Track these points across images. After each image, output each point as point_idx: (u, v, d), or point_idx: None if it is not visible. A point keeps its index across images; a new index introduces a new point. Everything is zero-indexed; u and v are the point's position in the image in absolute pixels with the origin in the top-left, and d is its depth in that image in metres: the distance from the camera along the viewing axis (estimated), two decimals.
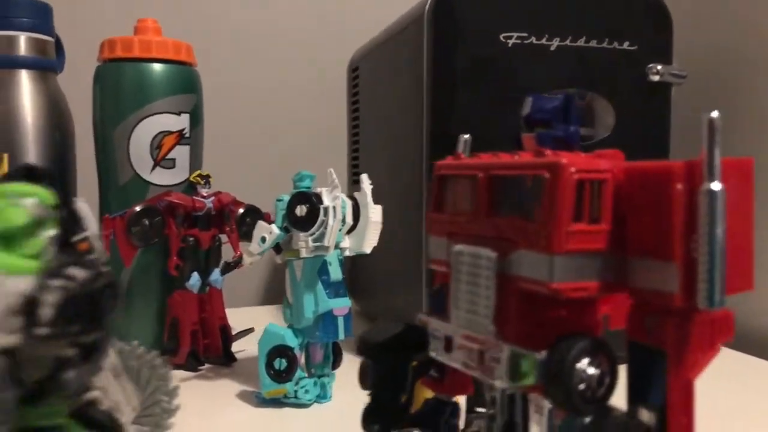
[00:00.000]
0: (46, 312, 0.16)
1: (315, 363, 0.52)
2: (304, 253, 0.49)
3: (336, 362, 0.53)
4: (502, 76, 0.54)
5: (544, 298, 0.21)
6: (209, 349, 0.61)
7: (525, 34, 0.54)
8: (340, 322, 0.50)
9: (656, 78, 0.58)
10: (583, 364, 0.20)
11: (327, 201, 0.49)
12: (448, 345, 0.23)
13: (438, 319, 0.24)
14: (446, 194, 0.25)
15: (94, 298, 0.17)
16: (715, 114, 0.18)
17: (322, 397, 0.51)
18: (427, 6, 0.55)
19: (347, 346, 0.53)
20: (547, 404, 0.22)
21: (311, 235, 0.49)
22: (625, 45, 0.57)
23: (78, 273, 0.17)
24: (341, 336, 0.50)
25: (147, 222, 0.58)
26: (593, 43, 0.56)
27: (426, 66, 0.55)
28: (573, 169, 0.20)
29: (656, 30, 0.58)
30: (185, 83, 0.65)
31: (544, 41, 0.55)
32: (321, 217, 0.48)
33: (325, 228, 0.48)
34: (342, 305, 0.50)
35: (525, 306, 0.21)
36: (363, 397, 0.51)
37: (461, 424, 0.27)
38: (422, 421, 0.27)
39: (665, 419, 0.19)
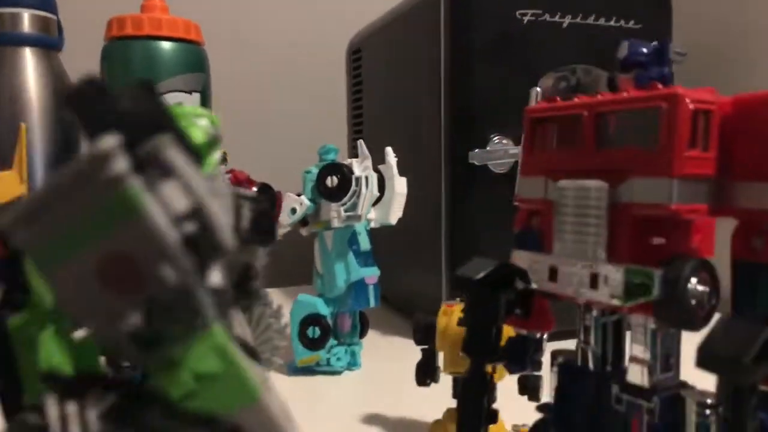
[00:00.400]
0: (245, 220, 0.16)
1: (344, 332, 0.53)
2: (335, 223, 0.50)
3: (363, 331, 0.54)
4: (518, 53, 0.56)
5: (652, 224, 0.23)
6: None
7: (539, 11, 0.56)
8: (371, 290, 0.51)
9: None
10: (694, 281, 0.22)
11: (358, 171, 0.50)
12: (553, 274, 0.25)
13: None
14: (540, 136, 0.27)
15: (267, 213, 0.18)
16: None
17: (353, 364, 0.52)
18: None
19: (372, 316, 0.54)
20: (650, 324, 0.24)
21: (343, 205, 0.50)
22: (631, 23, 0.59)
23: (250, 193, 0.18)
24: (372, 303, 0.52)
25: None
26: (601, 21, 0.58)
27: (443, 44, 0.56)
28: (689, 100, 0.21)
29: (657, 10, 0.61)
30: (195, 62, 0.65)
31: (557, 18, 0.57)
32: (353, 187, 0.49)
33: (358, 197, 0.49)
34: (372, 273, 0.51)
35: (636, 231, 0.23)
36: (389, 365, 0.52)
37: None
38: (509, 357, 0.28)
39: None
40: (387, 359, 0.54)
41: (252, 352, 0.18)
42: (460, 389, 0.28)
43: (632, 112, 0.23)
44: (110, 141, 0.11)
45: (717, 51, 0.75)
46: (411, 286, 0.64)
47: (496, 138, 0.55)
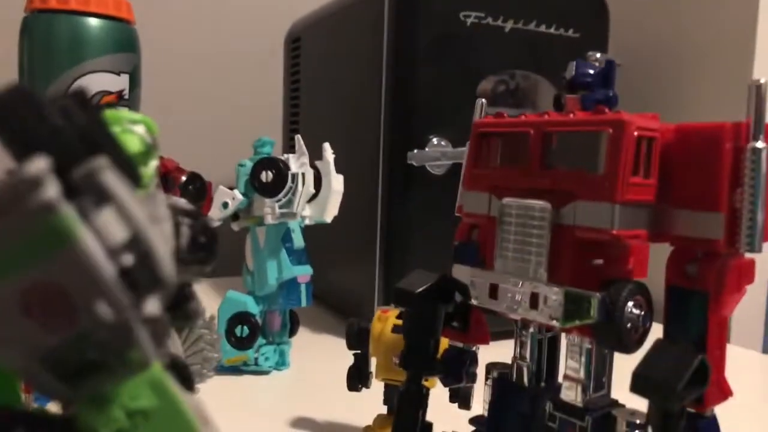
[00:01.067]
0: (184, 239, 0.15)
1: (273, 330, 0.52)
2: (269, 220, 0.49)
3: (293, 330, 0.53)
4: (460, 54, 0.56)
5: (591, 246, 0.23)
6: None
7: (482, 14, 0.56)
8: (303, 289, 0.51)
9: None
10: (630, 305, 0.22)
11: (295, 167, 0.49)
12: (493, 291, 0.25)
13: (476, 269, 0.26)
14: (485, 150, 0.26)
15: (212, 231, 0.17)
16: (763, 80, 0.21)
17: (281, 364, 0.51)
18: None
19: (303, 315, 0.54)
20: (585, 344, 0.24)
21: (278, 201, 0.48)
22: (570, 32, 0.60)
23: (193, 208, 0.17)
24: (304, 303, 0.51)
25: None
26: (542, 28, 0.59)
27: (386, 41, 0.56)
28: (634, 126, 0.22)
29: (596, 20, 0.62)
30: (125, 42, 0.62)
31: (499, 22, 0.57)
32: (289, 183, 0.48)
33: (293, 194, 0.48)
34: (305, 272, 0.50)
35: (577, 253, 0.23)
36: (319, 365, 0.52)
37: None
38: (446, 371, 0.28)
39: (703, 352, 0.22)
40: (317, 359, 0.54)
41: (183, 369, 0.17)
42: (396, 401, 0.28)
43: (578, 135, 0.23)
44: (40, 164, 0.10)
45: (652, 59, 0.78)
46: (344, 284, 0.63)
47: (434, 139, 0.55)
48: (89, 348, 0.11)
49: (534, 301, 0.23)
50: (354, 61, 0.62)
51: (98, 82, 0.60)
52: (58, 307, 0.11)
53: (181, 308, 0.16)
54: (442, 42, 0.56)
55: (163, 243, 0.12)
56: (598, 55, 0.65)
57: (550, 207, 0.23)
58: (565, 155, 0.23)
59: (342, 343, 0.38)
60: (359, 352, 0.39)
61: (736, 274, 0.22)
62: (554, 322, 0.23)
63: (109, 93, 0.60)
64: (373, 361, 0.38)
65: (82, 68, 0.59)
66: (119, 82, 0.61)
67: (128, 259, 0.11)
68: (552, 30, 0.59)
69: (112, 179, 0.11)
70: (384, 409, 0.38)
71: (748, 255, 0.22)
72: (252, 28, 0.91)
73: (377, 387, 0.38)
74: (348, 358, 0.39)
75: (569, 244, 0.23)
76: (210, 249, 0.17)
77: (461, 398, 0.36)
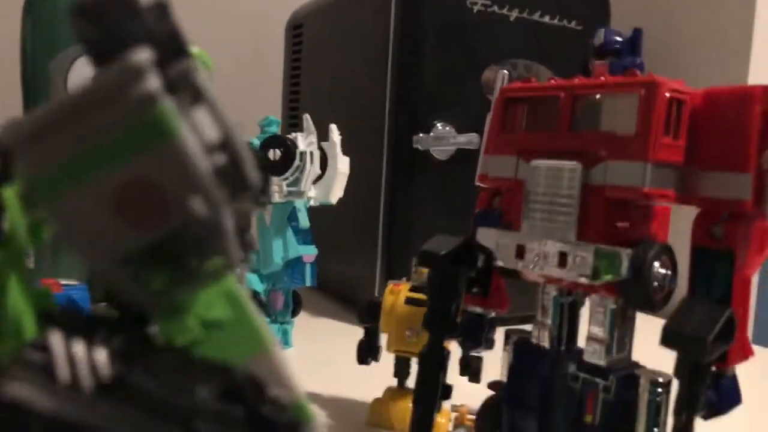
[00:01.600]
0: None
1: (276, 310, 0.52)
2: (276, 198, 0.49)
3: (295, 310, 0.53)
4: (466, 41, 0.57)
5: (619, 208, 0.24)
6: None
7: (489, 2, 0.57)
8: (308, 269, 0.51)
9: None
10: (657, 265, 0.23)
11: (303, 146, 0.49)
12: (520, 252, 0.25)
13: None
14: (510, 116, 0.27)
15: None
16: None
17: (285, 343, 0.51)
18: None
19: (303, 296, 0.54)
20: (610, 305, 0.24)
21: (285, 179, 0.48)
22: (573, 24, 0.61)
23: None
24: (308, 282, 0.51)
25: None
26: (546, 19, 0.60)
27: (393, 27, 0.56)
28: (665, 88, 0.22)
29: (597, 13, 0.63)
30: None
31: (505, 11, 0.57)
32: (297, 161, 0.48)
33: (301, 173, 0.48)
34: (311, 252, 0.51)
35: (607, 213, 0.23)
36: (321, 345, 0.52)
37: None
38: (465, 334, 0.29)
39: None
40: (319, 340, 0.54)
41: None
42: (418, 363, 0.28)
43: (610, 97, 0.23)
44: (143, 55, 0.10)
45: (650, 55, 0.79)
46: (344, 268, 0.63)
47: (439, 124, 0.56)
48: (179, 247, 0.11)
49: (563, 259, 0.24)
50: (359, 47, 0.62)
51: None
52: (151, 203, 0.11)
53: (241, 237, 0.16)
54: (448, 28, 0.56)
55: (246, 148, 0.12)
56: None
57: (580, 167, 0.24)
58: (596, 117, 0.24)
59: (341, 325, 0.38)
60: (369, 326, 0.39)
61: (760, 235, 0.23)
62: (583, 279, 0.23)
63: None
64: (383, 337, 0.39)
65: None
66: None
67: (220, 159, 0.11)
68: (556, 21, 0.60)
69: (205, 80, 0.11)
70: (394, 382, 0.38)
71: None
72: (253, 11, 0.90)
73: (385, 362, 0.39)
74: (350, 338, 0.39)
75: (599, 204, 0.23)
76: (264, 182, 0.17)
77: (472, 372, 0.36)
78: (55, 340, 0.11)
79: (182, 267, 0.12)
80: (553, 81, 0.26)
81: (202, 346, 0.13)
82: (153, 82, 0.10)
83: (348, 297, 0.64)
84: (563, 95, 0.24)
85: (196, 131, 0.11)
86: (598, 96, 0.24)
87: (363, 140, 0.59)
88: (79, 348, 0.11)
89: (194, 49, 0.18)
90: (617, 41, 0.26)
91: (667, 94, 0.22)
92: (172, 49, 0.11)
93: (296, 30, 0.76)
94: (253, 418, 0.11)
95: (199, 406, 0.11)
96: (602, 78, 0.24)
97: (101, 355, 0.11)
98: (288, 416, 0.12)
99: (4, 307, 0.14)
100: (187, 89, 0.11)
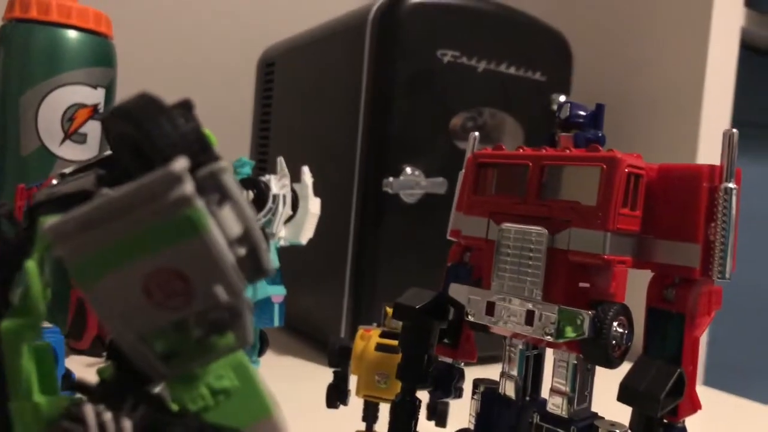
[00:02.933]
0: None
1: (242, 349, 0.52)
2: None
3: (262, 349, 0.54)
4: (436, 89, 0.59)
5: (581, 271, 0.26)
6: None
7: (458, 53, 0.59)
8: (276, 309, 0.52)
9: (557, 107, 0.66)
10: (615, 324, 0.25)
11: (276, 189, 0.50)
12: (490, 309, 0.27)
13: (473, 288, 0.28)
14: (483, 179, 0.29)
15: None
16: (734, 130, 0.24)
17: None
18: (372, 14, 0.58)
19: (273, 335, 0.54)
20: (572, 360, 0.26)
21: (257, 221, 0.50)
22: (537, 75, 0.64)
23: None
24: (276, 323, 0.52)
25: None
26: (512, 70, 0.63)
27: (366, 72, 0.58)
28: (625, 164, 0.24)
29: (561, 65, 0.66)
30: (104, 56, 0.63)
31: (473, 62, 0.60)
32: (270, 203, 0.49)
33: (273, 215, 0.50)
34: (279, 293, 0.52)
35: (570, 275, 0.25)
36: (288, 385, 0.52)
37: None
38: (437, 384, 0.30)
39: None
40: (285, 379, 0.54)
41: None
42: (390, 412, 0.29)
43: (575, 169, 0.25)
44: (182, 163, 0.12)
45: (609, 104, 0.83)
46: (310, 308, 0.64)
47: (408, 168, 0.58)
48: (199, 326, 0.13)
49: (530, 317, 0.25)
50: (331, 90, 0.64)
51: (74, 94, 0.60)
52: (179, 288, 0.12)
53: None
54: (419, 77, 0.58)
55: (263, 239, 0.13)
56: (562, 98, 0.69)
57: (546, 232, 0.26)
58: (561, 187, 0.26)
59: (307, 365, 0.39)
60: (339, 369, 0.40)
61: (708, 299, 0.25)
62: (548, 337, 0.25)
63: (85, 106, 0.61)
64: (352, 379, 0.40)
65: (58, 80, 0.59)
66: (95, 96, 0.61)
67: (241, 251, 0.13)
68: (521, 72, 0.63)
69: (231, 180, 0.13)
70: (362, 426, 0.39)
71: (718, 282, 0.25)
72: (225, 51, 0.92)
73: (354, 405, 0.40)
74: (316, 378, 0.39)
75: (563, 266, 0.25)
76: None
77: (438, 416, 0.37)
78: (88, 411, 0.12)
79: (200, 343, 0.13)
80: (521, 150, 0.28)
81: (211, 412, 0.14)
82: (189, 187, 0.12)
83: (314, 336, 0.65)
84: (531, 165, 0.27)
85: (222, 227, 0.12)
86: (563, 167, 0.26)
87: (333, 182, 0.60)
88: (108, 418, 0.12)
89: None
90: (581, 115, 0.28)
91: (627, 170, 0.24)
92: (199, 147, 0.13)
93: (268, 68, 0.78)
94: None
95: None
96: (568, 150, 0.26)
97: (127, 425, 0.12)
98: None
99: (18, 371, 0.15)
100: (215, 189, 0.12)
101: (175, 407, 0.14)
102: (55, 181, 0.20)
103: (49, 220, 0.12)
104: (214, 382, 0.14)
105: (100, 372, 0.17)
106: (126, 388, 0.13)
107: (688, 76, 0.73)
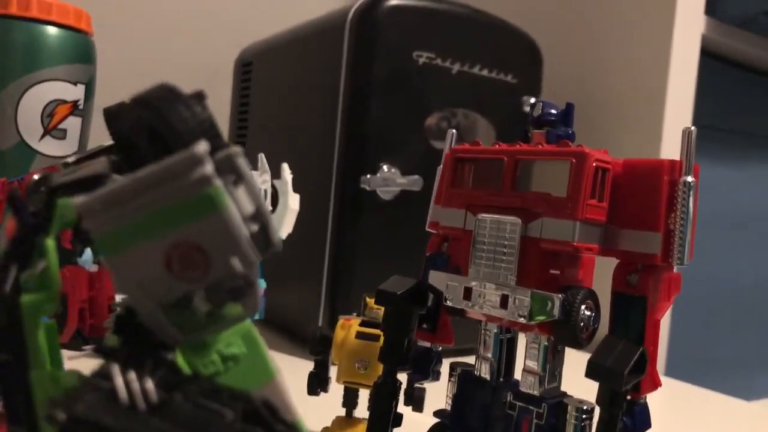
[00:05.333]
0: None
1: None
2: None
3: None
4: (411, 90, 0.61)
5: (552, 258, 0.28)
6: (95, 328, 0.59)
7: (433, 55, 0.61)
8: None
9: (528, 109, 0.68)
10: (583, 308, 0.27)
11: (257, 184, 0.51)
12: (467, 294, 0.29)
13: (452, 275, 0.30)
14: (461, 174, 0.31)
15: None
16: (693, 128, 0.26)
17: None
18: (350, 16, 0.60)
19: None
20: (543, 341, 0.28)
21: None
22: (509, 77, 0.66)
23: None
24: (257, 316, 0.53)
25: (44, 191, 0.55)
26: (485, 72, 0.65)
27: (344, 73, 0.60)
28: (593, 158, 0.26)
29: (531, 68, 0.69)
30: (84, 52, 0.63)
31: (447, 64, 0.62)
32: None
33: None
34: (260, 286, 0.53)
35: (541, 262, 0.27)
36: None
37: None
38: (415, 367, 0.32)
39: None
40: None
41: None
42: (372, 393, 0.31)
43: (546, 163, 0.27)
44: (203, 146, 0.13)
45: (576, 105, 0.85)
46: (289, 300, 0.66)
47: (384, 166, 0.59)
48: (215, 295, 0.14)
49: (504, 301, 0.27)
50: (309, 89, 0.65)
51: (54, 90, 0.60)
52: (196, 261, 0.14)
53: None
54: (395, 78, 0.60)
55: (271, 217, 0.15)
56: (532, 99, 0.71)
57: (520, 222, 0.27)
58: (533, 179, 0.28)
59: (284, 357, 0.40)
60: (319, 358, 0.41)
61: (668, 285, 0.27)
62: (521, 319, 0.27)
63: (65, 102, 0.61)
64: (333, 368, 0.41)
65: (38, 75, 0.60)
66: (75, 92, 0.62)
67: (254, 227, 0.14)
68: (493, 74, 0.65)
69: (244, 163, 0.14)
70: (342, 411, 0.41)
71: (677, 269, 0.27)
72: (203, 50, 0.92)
73: (333, 392, 0.41)
74: (295, 370, 0.41)
75: (535, 254, 0.27)
76: None
77: (415, 401, 0.39)
78: (115, 371, 0.13)
79: (213, 312, 0.15)
80: (497, 146, 0.30)
81: (221, 377, 0.15)
82: (209, 168, 0.13)
83: (292, 330, 0.66)
84: (506, 159, 0.28)
85: (238, 205, 0.14)
86: (536, 161, 0.28)
87: (311, 179, 0.61)
88: (132, 378, 0.13)
89: None
90: (553, 114, 0.30)
91: (594, 164, 0.26)
92: (214, 133, 0.14)
93: (245, 68, 0.79)
94: None
95: (227, 426, 0.14)
96: (540, 146, 0.28)
97: (150, 384, 0.14)
98: (296, 430, 0.14)
99: (37, 342, 0.17)
100: (230, 170, 0.14)
101: (188, 372, 0.15)
102: (61, 169, 0.21)
103: (77, 199, 0.14)
104: (224, 349, 0.15)
105: (105, 343, 0.18)
106: (145, 354, 0.14)
107: (651, 80, 0.76)
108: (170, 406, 0.13)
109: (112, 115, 0.18)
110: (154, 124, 0.14)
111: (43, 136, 0.60)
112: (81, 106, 0.62)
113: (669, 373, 0.74)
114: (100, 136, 0.57)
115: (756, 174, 0.96)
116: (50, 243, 0.17)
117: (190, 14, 0.93)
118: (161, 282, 0.14)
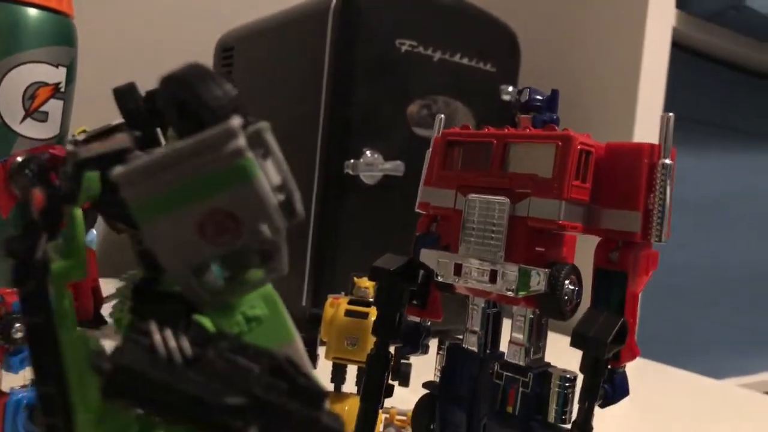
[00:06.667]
0: None
1: None
2: None
3: None
4: (393, 77, 0.62)
5: (538, 236, 0.29)
6: (79, 311, 0.59)
7: (415, 43, 0.62)
8: None
9: (506, 98, 0.70)
10: (567, 282, 0.28)
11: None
12: (458, 270, 0.30)
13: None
14: (451, 156, 0.32)
15: None
16: (671, 114, 0.28)
17: None
18: (334, 3, 0.60)
19: None
20: (529, 314, 0.30)
21: None
22: (488, 66, 0.68)
23: None
24: None
25: (29, 172, 0.55)
26: (465, 61, 0.66)
27: (327, 60, 0.61)
28: (578, 141, 0.28)
29: (509, 58, 0.70)
30: (65, 35, 0.63)
31: (429, 52, 0.63)
32: None
33: None
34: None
35: (528, 239, 0.29)
36: None
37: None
38: (405, 340, 0.33)
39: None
40: None
41: None
42: (366, 365, 0.32)
43: (534, 146, 0.29)
44: (237, 121, 0.14)
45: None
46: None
47: (368, 152, 0.60)
48: (245, 259, 0.15)
49: (493, 276, 0.29)
50: (293, 75, 0.66)
51: (36, 72, 0.60)
52: (229, 227, 0.15)
53: None
54: (378, 65, 0.61)
55: (296, 188, 0.16)
56: (510, 88, 0.73)
57: (508, 201, 0.29)
58: (521, 161, 0.29)
59: None
60: (308, 335, 0.42)
61: (646, 260, 0.29)
62: (509, 293, 0.28)
63: (46, 84, 0.61)
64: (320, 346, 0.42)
65: (20, 57, 0.59)
66: (57, 75, 0.62)
67: (280, 197, 0.15)
68: (473, 63, 0.67)
69: (271, 138, 0.15)
70: (330, 387, 0.42)
71: (655, 246, 0.29)
72: (184, 33, 0.92)
73: (322, 369, 0.42)
74: None
75: (522, 232, 0.29)
76: None
77: (402, 376, 0.41)
78: (153, 328, 0.14)
79: (239, 276, 0.16)
80: (487, 129, 0.31)
81: (245, 337, 0.17)
82: (242, 141, 0.14)
83: None
84: (495, 142, 0.30)
85: (267, 176, 0.15)
86: (523, 144, 0.29)
87: (295, 163, 0.62)
88: (169, 335, 0.15)
89: None
90: (539, 99, 0.31)
91: (579, 147, 0.28)
92: (242, 110, 0.15)
93: (226, 52, 0.79)
94: (294, 387, 0.15)
95: (255, 379, 0.15)
96: (527, 130, 0.30)
97: (184, 340, 0.15)
98: (317, 386, 0.16)
99: (65, 306, 0.18)
100: (259, 145, 0.15)
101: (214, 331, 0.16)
102: (70, 147, 0.22)
103: (116, 169, 0.15)
104: (248, 311, 0.17)
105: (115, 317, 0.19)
106: (177, 315, 0.15)
107: (625, 71, 0.78)
108: (203, 360, 0.15)
109: (122, 94, 0.19)
110: (187, 100, 0.15)
111: (24, 119, 0.60)
112: (63, 89, 0.62)
113: (642, 354, 0.77)
114: (82, 119, 0.57)
115: (725, 163, 1.00)
116: (77, 212, 0.17)
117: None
118: (194, 246, 0.15)
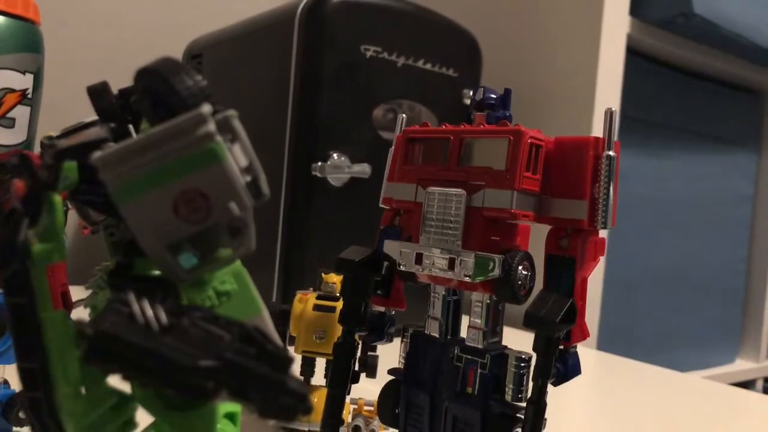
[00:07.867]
0: None
1: None
2: None
3: None
4: (359, 82, 0.64)
5: (492, 225, 0.31)
6: None
7: (380, 49, 0.64)
8: None
9: (468, 102, 0.72)
10: (520, 268, 0.30)
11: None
12: (419, 259, 0.32)
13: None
14: (411, 152, 0.34)
15: None
16: (614, 108, 0.30)
17: None
18: (299, 10, 0.62)
19: None
20: (486, 300, 0.32)
21: None
22: (450, 71, 0.70)
23: None
24: None
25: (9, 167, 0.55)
26: (428, 66, 0.68)
27: (294, 65, 0.62)
28: (528, 135, 0.30)
29: (471, 63, 0.73)
30: (32, 42, 0.63)
31: (393, 57, 0.65)
32: None
33: None
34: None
35: (484, 228, 0.31)
36: None
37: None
38: (371, 329, 0.35)
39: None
40: None
41: None
42: (333, 353, 0.34)
43: (487, 140, 0.31)
44: (207, 108, 0.16)
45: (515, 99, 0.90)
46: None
47: (334, 154, 0.62)
48: (221, 234, 0.17)
49: (451, 264, 0.31)
50: (261, 81, 0.67)
51: (3, 79, 0.60)
52: (200, 205, 0.16)
53: None
54: (344, 70, 0.63)
55: (262, 170, 0.17)
56: (472, 92, 0.74)
57: (465, 193, 0.31)
58: (476, 155, 0.31)
59: None
60: (280, 330, 0.44)
61: (594, 246, 0.31)
62: (467, 279, 0.30)
63: (13, 91, 0.61)
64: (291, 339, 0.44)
65: None
66: (24, 81, 0.62)
67: (247, 178, 0.17)
68: (436, 68, 0.69)
69: (239, 124, 0.17)
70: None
71: (602, 233, 0.31)
72: (152, 40, 0.93)
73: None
74: None
75: (478, 221, 0.31)
76: None
77: (368, 368, 0.42)
78: (132, 299, 0.16)
79: (211, 253, 0.17)
80: (444, 126, 0.33)
81: (217, 310, 0.18)
82: (212, 126, 0.16)
83: None
84: (452, 138, 0.32)
85: (234, 158, 0.16)
86: (478, 139, 0.31)
87: (265, 166, 0.63)
88: (146, 305, 0.16)
89: None
90: (493, 98, 0.33)
91: (529, 140, 0.30)
92: (211, 99, 0.17)
93: (194, 59, 0.80)
94: (262, 353, 0.17)
95: (227, 345, 0.16)
96: (482, 126, 0.32)
97: (160, 310, 0.16)
98: (284, 352, 0.17)
99: (44, 288, 0.19)
100: (227, 130, 0.16)
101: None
102: (46, 141, 0.23)
103: (95, 154, 0.16)
104: (218, 286, 0.18)
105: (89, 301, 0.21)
106: (153, 288, 0.17)
107: (581, 76, 0.81)
108: (178, 327, 0.16)
109: (96, 92, 0.20)
110: (161, 90, 0.16)
111: None
112: (30, 95, 0.63)
113: (600, 347, 0.80)
114: (49, 126, 0.57)
115: (677, 164, 1.04)
116: (57, 199, 0.19)
117: (137, 5, 0.93)
118: (170, 225, 0.16)
